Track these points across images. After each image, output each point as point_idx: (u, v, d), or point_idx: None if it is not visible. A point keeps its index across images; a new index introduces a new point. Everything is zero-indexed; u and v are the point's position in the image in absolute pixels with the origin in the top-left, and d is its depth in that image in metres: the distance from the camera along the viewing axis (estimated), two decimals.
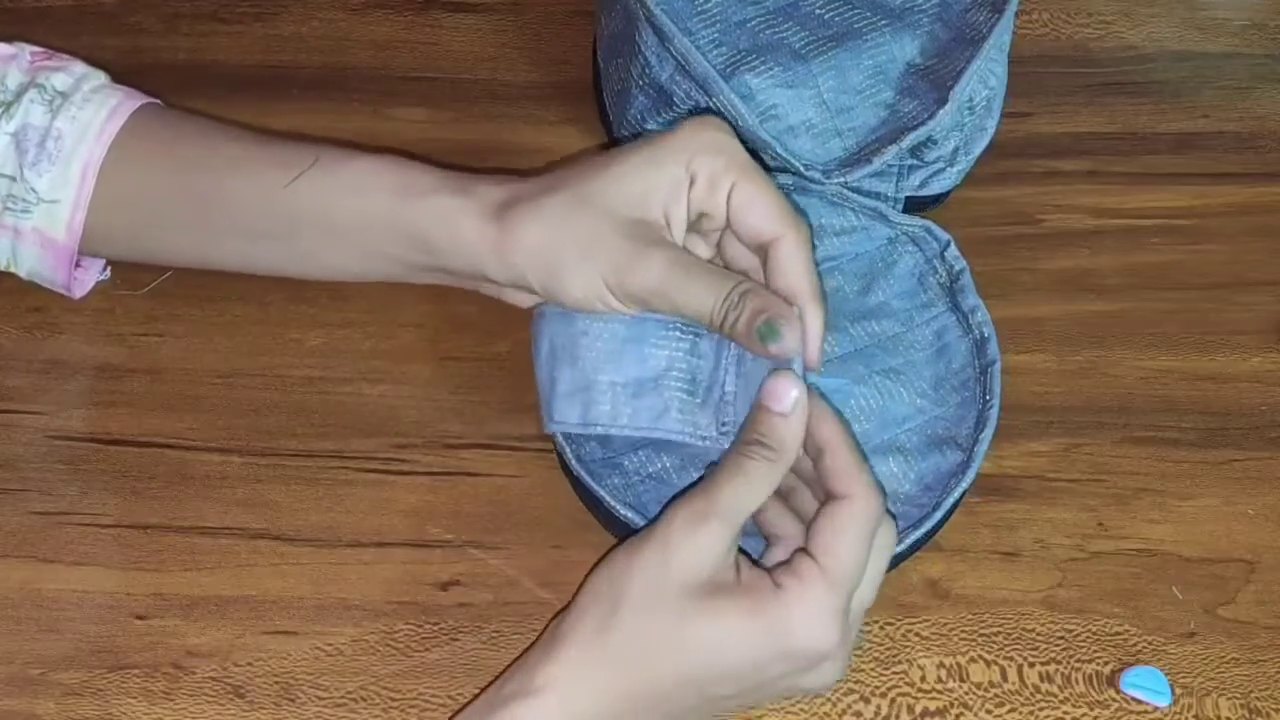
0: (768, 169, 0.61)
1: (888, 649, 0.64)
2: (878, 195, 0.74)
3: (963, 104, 0.73)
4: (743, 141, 0.61)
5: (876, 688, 0.63)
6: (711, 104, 0.71)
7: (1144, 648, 0.64)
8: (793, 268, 0.58)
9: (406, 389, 0.71)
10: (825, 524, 0.54)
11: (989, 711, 0.62)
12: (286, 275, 0.68)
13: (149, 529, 0.66)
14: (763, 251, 0.59)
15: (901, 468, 0.65)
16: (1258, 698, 0.63)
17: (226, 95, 0.78)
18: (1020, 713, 0.62)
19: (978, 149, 0.76)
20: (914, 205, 0.75)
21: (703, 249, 0.62)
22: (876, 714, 0.62)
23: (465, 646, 0.63)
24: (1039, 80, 0.84)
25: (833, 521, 0.54)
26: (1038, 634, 0.64)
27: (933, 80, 0.74)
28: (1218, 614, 0.65)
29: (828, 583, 0.53)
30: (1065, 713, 0.62)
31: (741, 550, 0.55)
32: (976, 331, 0.68)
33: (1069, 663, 0.63)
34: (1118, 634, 0.64)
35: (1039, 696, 0.63)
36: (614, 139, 0.79)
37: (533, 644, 0.56)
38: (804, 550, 0.54)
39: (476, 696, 0.56)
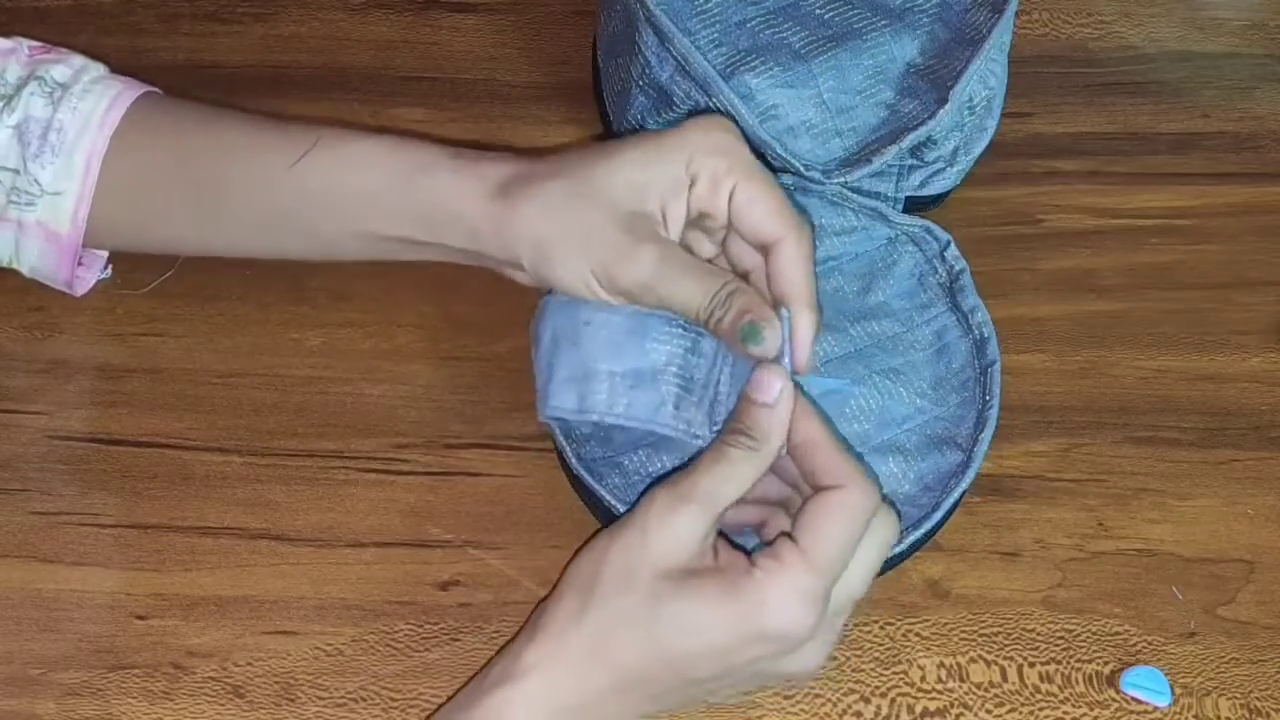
0: (771, 169, 0.61)
1: (888, 649, 0.64)
2: (878, 195, 0.74)
3: (963, 104, 0.73)
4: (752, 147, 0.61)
5: (876, 688, 0.63)
6: (711, 104, 0.71)
7: (1144, 648, 0.64)
8: (790, 271, 0.59)
9: (406, 389, 0.71)
10: (811, 509, 0.53)
11: (989, 711, 0.62)
12: (288, 257, 0.68)
13: (149, 529, 0.66)
14: (764, 252, 0.59)
15: (901, 468, 0.65)
16: (1258, 698, 0.63)
17: (226, 95, 0.78)
18: (1020, 713, 0.62)
19: (978, 149, 0.76)
20: (914, 205, 0.75)
21: (707, 247, 0.62)
22: (876, 714, 0.62)
23: (465, 646, 0.63)
24: (1039, 80, 0.84)
25: (819, 507, 0.53)
26: (1038, 634, 0.64)
27: (933, 80, 0.74)
28: (1218, 614, 0.65)
29: (806, 565, 0.52)
30: (1065, 713, 0.62)
31: (724, 536, 0.55)
32: (976, 332, 0.68)
33: (1069, 663, 0.63)
34: (1118, 634, 0.64)
35: (1039, 696, 0.63)
36: (614, 139, 0.79)
37: (518, 632, 0.56)
38: (787, 534, 0.54)
39: (464, 685, 0.56)
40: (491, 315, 0.72)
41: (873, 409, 0.66)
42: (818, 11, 0.76)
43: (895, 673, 0.63)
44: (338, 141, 0.64)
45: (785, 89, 0.73)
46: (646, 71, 0.74)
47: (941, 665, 0.63)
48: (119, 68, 0.69)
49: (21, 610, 0.64)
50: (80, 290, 0.71)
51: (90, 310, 0.73)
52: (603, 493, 0.64)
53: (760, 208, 0.59)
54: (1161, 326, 0.74)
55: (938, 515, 0.64)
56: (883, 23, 0.76)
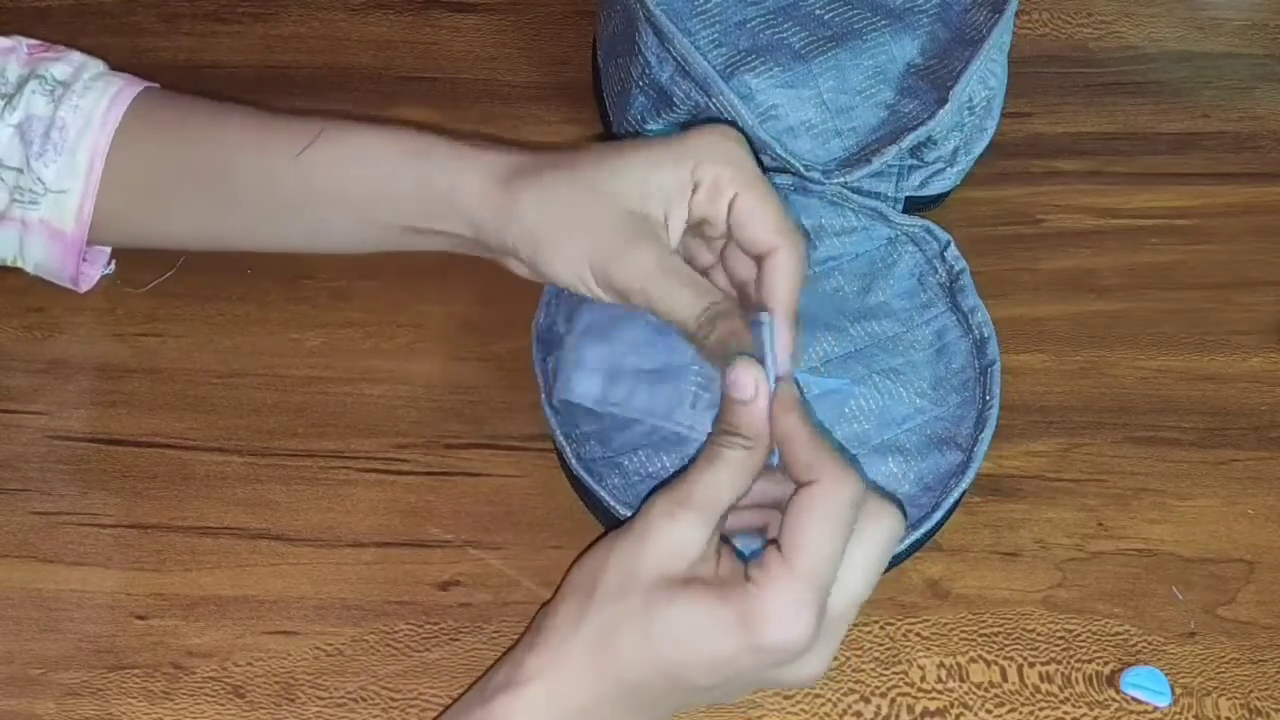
0: (764, 169, 0.62)
1: (888, 649, 0.64)
2: (878, 195, 0.74)
3: (962, 104, 0.73)
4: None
5: (876, 688, 0.63)
6: (711, 104, 0.71)
7: (1144, 648, 0.64)
8: (777, 281, 0.59)
9: (406, 389, 0.71)
10: (792, 509, 0.52)
11: (989, 711, 0.62)
12: (292, 249, 0.68)
13: (149, 529, 0.66)
14: (759, 261, 0.60)
15: (901, 468, 0.65)
16: (1258, 698, 0.63)
17: (226, 95, 0.78)
18: (1020, 713, 0.62)
19: (978, 149, 0.76)
20: (914, 205, 0.75)
21: (705, 256, 0.62)
22: (876, 714, 0.62)
23: (465, 646, 0.63)
24: (1039, 80, 0.84)
25: (798, 506, 0.52)
26: (1038, 634, 0.64)
27: (933, 80, 0.74)
28: (1218, 614, 0.65)
29: (793, 575, 0.51)
30: (1065, 713, 0.62)
31: (729, 543, 0.55)
32: (976, 332, 0.68)
33: (1069, 663, 0.63)
34: (1118, 634, 0.64)
35: (1039, 696, 0.63)
36: (614, 139, 0.79)
37: (520, 637, 0.56)
38: (774, 541, 0.53)
39: (467, 690, 0.56)
40: (491, 315, 0.72)
41: (873, 409, 0.66)
42: (818, 12, 0.76)
43: (895, 673, 0.63)
44: (341, 133, 0.65)
45: (785, 89, 0.73)
46: (646, 72, 0.74)
47: (941, 665, 0.63)
48: (119, 67, 0.69)
49: (21, 610, 0.64)
50: (85, 286, 0.71)
51: (90, 310, 0.73)
52: (602, 493, 0.64)
53: (759, 218, 0.59)
54: (1161, 326, 0.74)
55: (938, 515, 0.64)
56: (883, 23, 0.76)
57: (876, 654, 0.64)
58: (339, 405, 0.70)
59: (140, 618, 0.64)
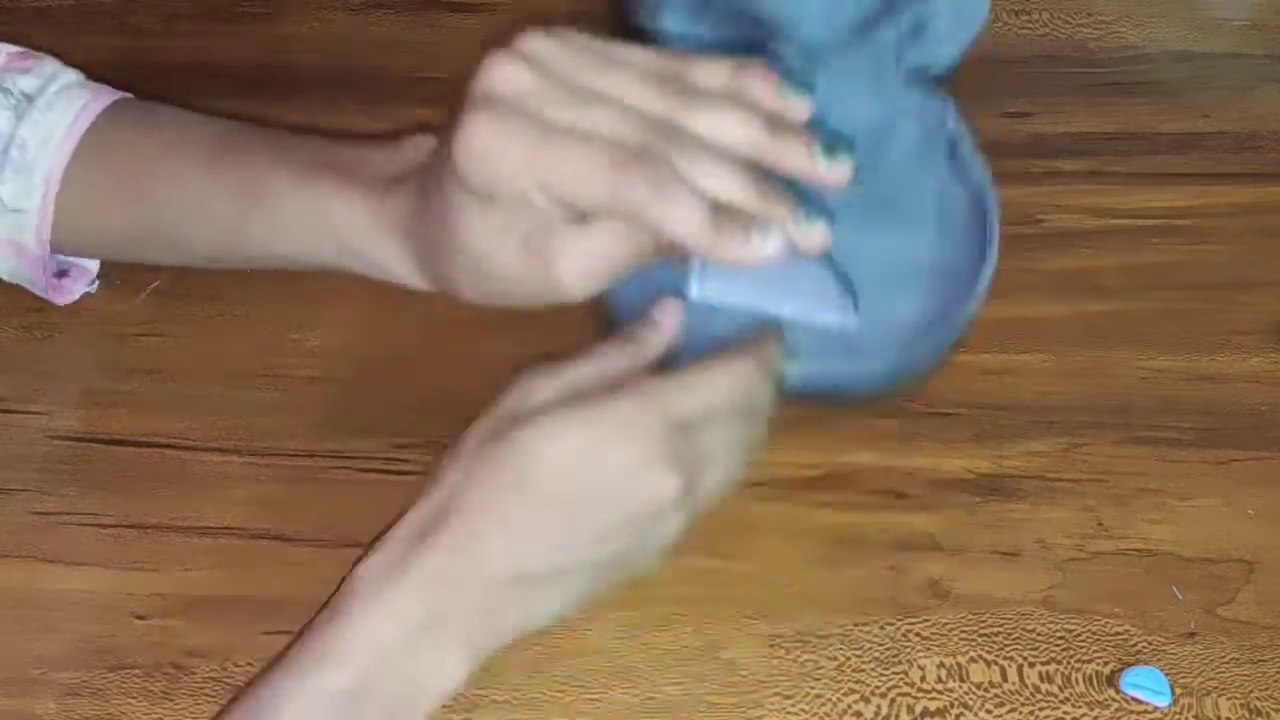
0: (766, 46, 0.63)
1: (888, 649, 0.64)
2: (877, 68, 0.73)
3: None
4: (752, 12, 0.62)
5: (876, 688, 0.63)
6: None
7: (1144, 648, 0.64)
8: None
9: (406, 389, 0.71)
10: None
11: (989, 711, 0.62)
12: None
13: (149, 529, 0.66)
14: None
15: (907, 302, 0.65)
16: (1258, 698, 0.63)
17: (226, 95, 0.78)
18: (1020, 713, 0.62)
19: (979, 19, 0.74)
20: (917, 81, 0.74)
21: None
22: (876, 714, 0.62)
23: None
24: (1039, 80, 0.84)
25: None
26: (1038, 634, 0.64)
27: None
28: (1218, 614, 0.65)
29: (642, 392, 0.54)
30: (1065, 713, 0.62)
31: None
32: (975, 187, 0.69)
33: (1069, 663, 0.63)
34: (1118, 634, 0.64)
35: (1039, 696, 0.63)
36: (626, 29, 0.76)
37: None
38: None
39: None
40: (491, 315, 0.72)
41: (875, 255, 0.66)
42: None
43: (895, 673, 0.63)
44: (280, 197, 0.63)
45: None
46: None
47: (941, 665, 0.63)
48: (119, 68, 0.69)
49: (21, 610, 0.64)
50: (62, 300, 0.71)
51: (90, 310, 0.73)
52: None
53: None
54: (1161, 326, 0.74)
55: (950, 333, 0.65)
56: None
57: (876, 654, 0.64)
58: (339, 405, 0.70)
59: (140, 618, 0.64)
